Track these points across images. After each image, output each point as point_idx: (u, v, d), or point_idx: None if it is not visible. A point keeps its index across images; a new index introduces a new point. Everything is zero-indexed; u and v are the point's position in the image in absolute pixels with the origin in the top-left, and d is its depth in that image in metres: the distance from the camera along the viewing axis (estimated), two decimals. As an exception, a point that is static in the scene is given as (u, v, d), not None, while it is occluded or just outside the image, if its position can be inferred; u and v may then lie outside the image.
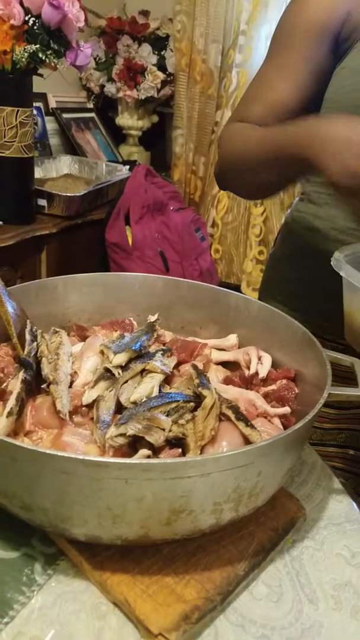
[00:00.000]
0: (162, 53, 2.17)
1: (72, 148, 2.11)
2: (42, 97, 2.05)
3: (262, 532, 0.45)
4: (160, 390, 0.53)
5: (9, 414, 0.43)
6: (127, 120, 2.29)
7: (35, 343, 0.54)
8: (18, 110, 1.39)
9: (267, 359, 0.59)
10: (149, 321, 0.65)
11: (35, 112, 1.46)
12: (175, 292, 0.70)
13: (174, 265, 1.87)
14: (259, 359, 0.60)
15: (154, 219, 1.88)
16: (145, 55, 2.14)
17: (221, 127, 2.14)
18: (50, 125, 2.09)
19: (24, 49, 1.30)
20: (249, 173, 0.67)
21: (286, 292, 0.81)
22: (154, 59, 2.15)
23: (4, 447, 0.36)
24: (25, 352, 0.52)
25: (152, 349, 0.59)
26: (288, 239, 0.83)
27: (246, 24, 2.00)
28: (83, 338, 0.64)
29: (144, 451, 0.42)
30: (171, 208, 1.94)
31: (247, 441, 0.46)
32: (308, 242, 0.77)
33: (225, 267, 2.30)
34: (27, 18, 1.29)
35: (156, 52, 2.16)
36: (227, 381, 0.58)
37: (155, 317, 0.67)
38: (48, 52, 1.33)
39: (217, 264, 2.25)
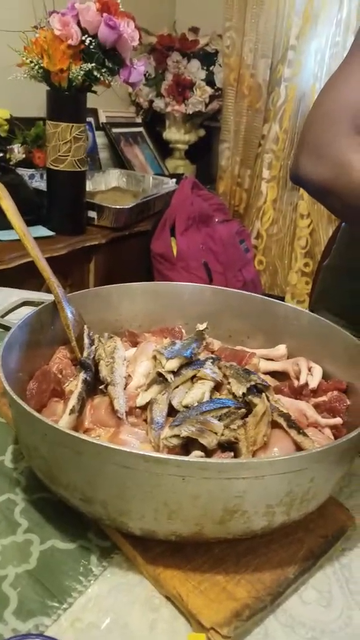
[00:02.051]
0: (211, 68, 2.21)
1: (121, 162, 2.18)
2: (93, 112, 2.13)
3: (311, 539, 0.46)
4: (210, 397, 0.54)
5: (71, 411, 0.46)
6: (174, 134, 2.34)
7: (93, 347, 0.57)
8: (72, 126, 1.45)
9: (317, 370, 0.60)
10: (197, 329, 0.67)
11: (86, 126, 1.52)
12: (224, 301, 0.72)
13: (217, 276, 1.89)
14: (309, 369, 0.60)
15: (199, 230, 1.91)
16: (194, 71, 2.19)
17: (268, 140, 2.16)
18: (100, 139, 2.17)
19: (80, 67, 1.37)
20: None
21: (344, 303, 0.81)
22: (202, 74, 2.20)
23: (70, 440, 0.39)
24: (85, 355, 0.55)
25: (201, 357, 0.60)
26: (346, 250, 0.83)
27: (296, 38, 2.02)
28: (134, 344, 0.66)
29: (198, 452, 0.44)
30: (216, 220, 1.96)
31: (298, 449, 0.47)
32: None
33: (268, 279, 2.30)
34: (83, 38, 1.35)
35: (205, 68, 2.20)
36: (276, 391, 0.59)
37: (205, 325, 0.69)
38: (103, 70, 1.38)
39: (260, 275, 2.25)
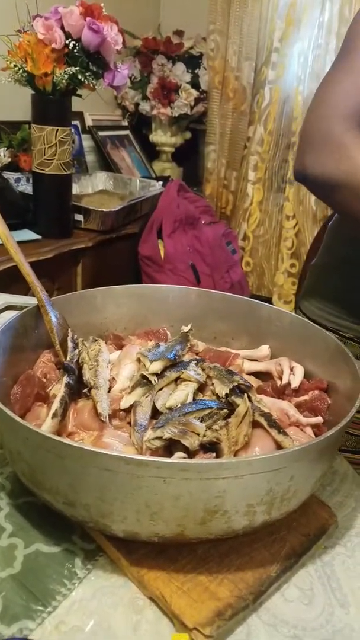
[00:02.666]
0: (196, 71, 2.22)
1: (107, 165, 2.18)
2: (79, 115, 2.13)
3: (293, 537, 0.46)
4: (194, 398, 0.55)
5: (54, 415, 0.46)
6: (160, 137, 2.34)
7: (77, 350, 0.57)
8: (57, 130, 1.45)
9: (299, 370, 0.60)
10: (182, 331, 0.67)
11: (72, 130, 1.52)
12: (208, 303, 0.72)
13: (205, 278, 1.90)
14: (291, 369, 0.61)
15: (186, 232, 1.91)
16: (179, 73, 2.20)
17: (254, 142, 2.17)
18: (87, 142, 2.17)
19: (64, 71, 1.37)
20: None
21: (332, 300, 0.83)
22: (187, 77, 2.21)
23: (52, 444, 0.39)
24: (68, 359, 0.55)
25: (185, 359, 0.61)
26: (333, 247, 0.84)
27: (279, 41, 2.04)
28: (119, 347, 0.67)
29: (180, 453, 0.45)
30: (203, 222, 1.97)
31: (279, 448, 0.47)
32: (356, 250, 0.78)
33: (256, 280, 2.31)
34: (67, 42, 1.36)
35: (190, 71, 2.21)
36: (259, 391, 0.60)
37: (189, 327, 0.69)
38: (87, 74, 1.38)
39: (248, 276, 2.26)
